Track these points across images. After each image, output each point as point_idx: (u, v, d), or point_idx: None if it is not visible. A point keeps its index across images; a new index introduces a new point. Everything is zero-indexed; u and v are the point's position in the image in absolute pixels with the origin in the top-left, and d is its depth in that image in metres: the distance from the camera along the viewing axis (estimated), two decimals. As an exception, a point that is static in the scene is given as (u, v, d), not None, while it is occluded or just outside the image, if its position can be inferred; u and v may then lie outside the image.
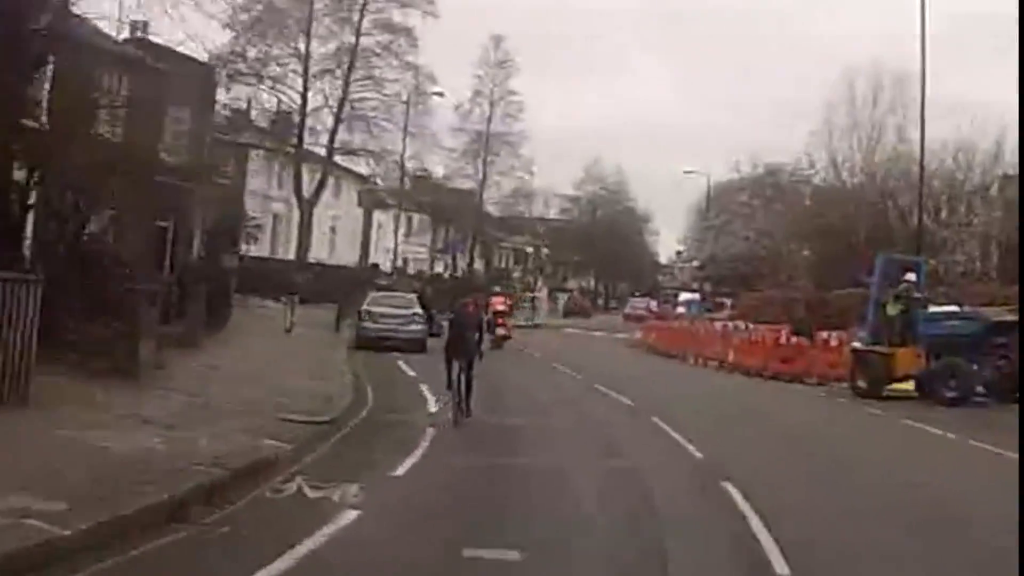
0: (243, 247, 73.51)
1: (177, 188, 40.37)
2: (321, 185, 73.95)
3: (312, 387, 26.64)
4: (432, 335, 42.17)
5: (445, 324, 27.39)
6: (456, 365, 23.15)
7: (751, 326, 47.63)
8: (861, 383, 34.63)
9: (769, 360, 41.46)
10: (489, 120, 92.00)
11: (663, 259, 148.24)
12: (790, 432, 25.54)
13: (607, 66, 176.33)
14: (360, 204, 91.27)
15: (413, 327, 41.75)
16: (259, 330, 43.07)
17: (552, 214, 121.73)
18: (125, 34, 39.14)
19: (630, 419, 25.65)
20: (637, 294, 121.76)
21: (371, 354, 39.11)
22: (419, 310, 42.58)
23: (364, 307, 42.79)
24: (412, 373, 33.79)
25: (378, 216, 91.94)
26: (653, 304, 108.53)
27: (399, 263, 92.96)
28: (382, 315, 41.83)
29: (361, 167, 79.83)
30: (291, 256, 73.94)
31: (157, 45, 38.73)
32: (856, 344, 36.59)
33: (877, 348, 34.75)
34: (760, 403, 32.74)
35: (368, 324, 41.82)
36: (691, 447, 20.54)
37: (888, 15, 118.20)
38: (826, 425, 27.87)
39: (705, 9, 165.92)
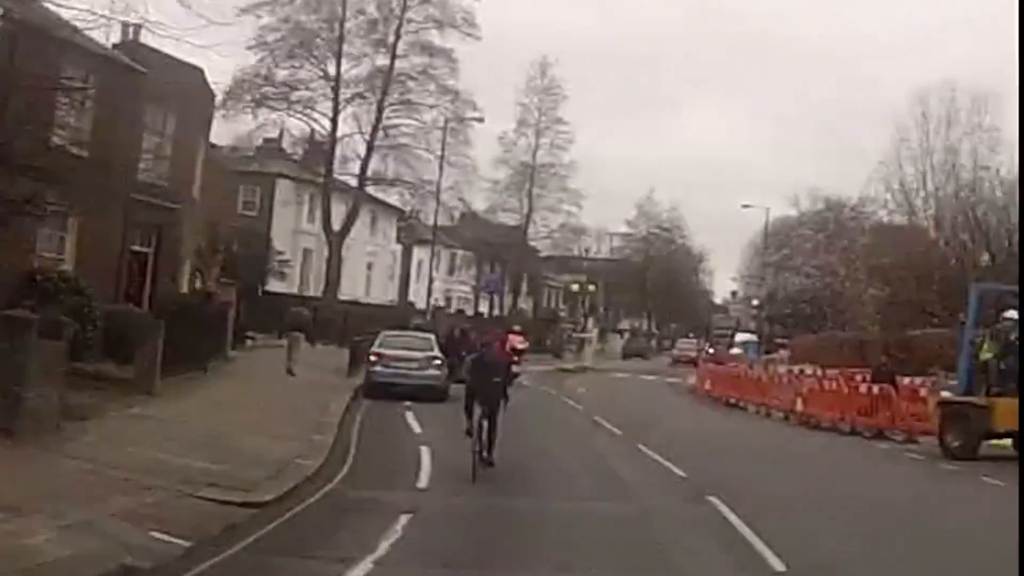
0: (269, 282, 68.35)
1: (158, 208, 34.58)
2: (351, 217, 67.69)
3: (272, 449, 20.60)
4: (459, 381, 36.10)
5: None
6: (479, 410, 20.31)
7: (822, 371, 41.09)
8: (953, 441, 28.07)
9: (846, 411, 34.90)
10: (535, 151, 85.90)
11: (718, 299, 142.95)
12: (898, 519, 18.29)
13: (657, 105, 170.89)
14: (399, 240, 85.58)
15: (430, 372, 35.53)
16: (256, 372, 37.21)
17: (604, 253, 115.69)
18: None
19: (682, 503, 18.80)
20: (691, 335, 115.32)
21: (379, 404, 33.08)
22: (437, 352, 36.28)
23: (373, 349, 36.55)
24: (418, 429, 27.68)
25: (419, 253, 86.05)
26: (705, 346, 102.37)
27: (439, 302, 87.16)
28: (394, 358, 35.59)
29: (394, 199, 73.42)
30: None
31: (147, 48, 32.93)
32: (945, 394, 29.96)
33: (971, 399, 28.02)
34: (847, 471, 26.11)
35: (377, 369, 35.62)
36: (768, 552, 14.02)
37: (960, 41, 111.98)
38: (942, 506, 20.75)
39: (756, 43, 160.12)
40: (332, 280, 66.24)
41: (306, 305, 63.54)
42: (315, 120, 66.83)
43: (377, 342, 36.76)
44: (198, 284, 42.54)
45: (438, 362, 35.69)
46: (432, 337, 37.57)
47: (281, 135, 71.41)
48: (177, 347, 30.31)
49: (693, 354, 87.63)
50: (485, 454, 20.18)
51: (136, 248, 34.68)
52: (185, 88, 36.22)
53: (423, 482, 19.34)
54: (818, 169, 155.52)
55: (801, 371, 44.68)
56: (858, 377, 38.35)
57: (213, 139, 67.15)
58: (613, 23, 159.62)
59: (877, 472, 26.08)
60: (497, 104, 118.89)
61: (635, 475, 22.19)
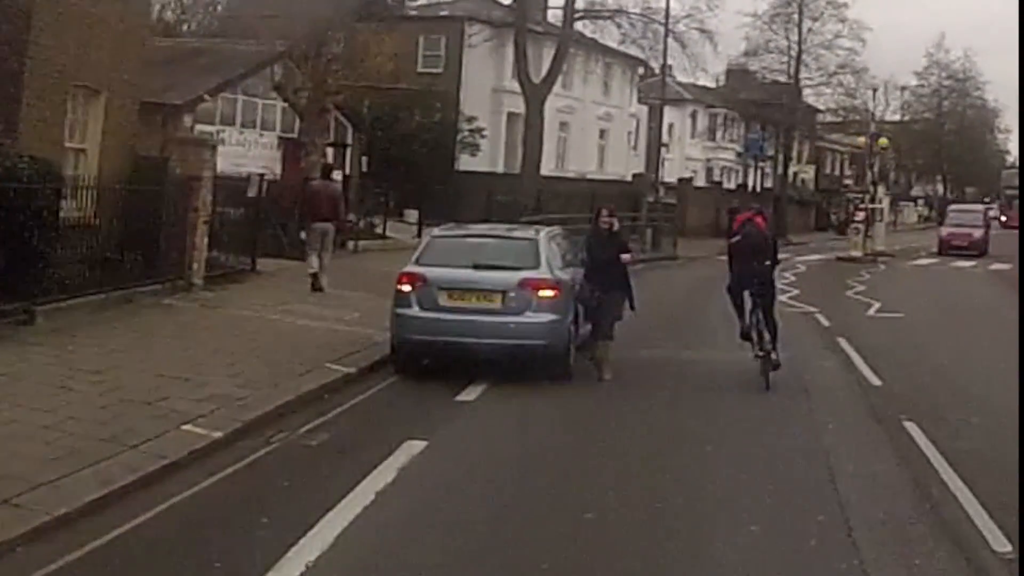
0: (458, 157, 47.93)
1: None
2: (556, 63, 45.30)
3: None
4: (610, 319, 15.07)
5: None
6: (750, 303, 15.02)
7: None
8: None
9: None
10: None
11: (1013, 160, 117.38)
12: None
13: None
14: (642, 100, 63.57)
15: (530, 318, 14.19)
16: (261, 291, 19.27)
17: (890, 112, 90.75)
18: None
19: None
20: (986, 200, 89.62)
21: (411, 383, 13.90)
22: (548, 271, 14.52)
23: (405, 269, 14.97)
24: None
25: (671, 115, 63.59)
26: (998, 212, 76.41)
27: (693, 174, 64.92)
28: (448, 286, 14.41)
29: (610, 40, 49.96)
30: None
31: None
32: None
33: None
34: None
35: (413, 313, 14.45)
36: None
37: None
38: None
39: None
40: (530, 148, 44.66)
41: (500, 185, 43.37)
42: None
43: (416, 252, 15.48)
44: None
45: (550, 294, 14.30)
46: (543, 236, 15.44)
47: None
48: None
49: (977, 233, 52.49)
50: (771, 354, 14.42)
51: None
52: None
53: None
54: None
55: None
56: None
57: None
58: None
59: None
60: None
61: None
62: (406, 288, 14.44)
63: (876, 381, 15.23)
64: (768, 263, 14.98)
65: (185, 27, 58.07)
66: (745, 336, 15.06)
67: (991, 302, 29.11)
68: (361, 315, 18.19)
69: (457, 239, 15.79)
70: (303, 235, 21.97)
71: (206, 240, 19.92)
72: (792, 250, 49.67)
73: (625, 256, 14.92)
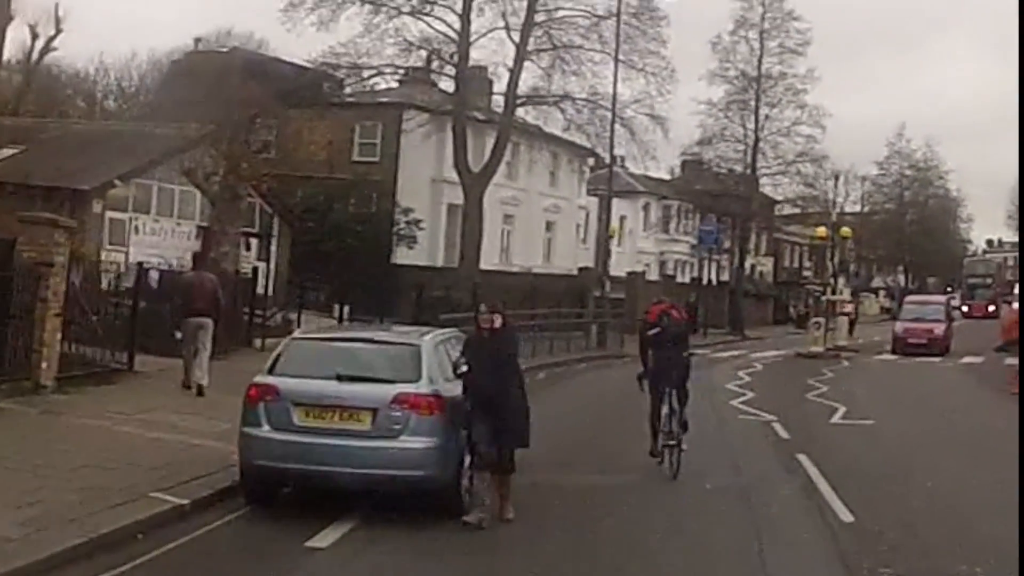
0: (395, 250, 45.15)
1: None
2: (497, 152, 42.98)
3: None
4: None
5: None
6: (665, 394, 14.78)
7: None
8: None
9: None
10: (760, 58, 58.88)
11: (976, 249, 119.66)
12: None
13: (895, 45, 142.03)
14: (592, 191, 60.96)
15: (404, 442, 11.16)
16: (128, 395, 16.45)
17: (850, 202, 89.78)
18: None
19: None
20: (949, 289, 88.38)
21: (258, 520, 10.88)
22: (428, 384, 11.44)
23: (256, 380, 11.98)
24: None
25: (622, 207, 61.27)
26: (956, 302, 73.95)
27: (645, 268, 62.15)
28: (304, 401, 11.41)
29: (555, 128, 47.26)
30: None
31: None
32: None
33: None
34: None
35: (263, 433, 11.46)
36: None
37: None
38: None
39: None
40: (469, 241, 42.00)
41: (438, 279, 40.60)
42: (438, 19, 42.32)
43: (273, 356, 12.27)
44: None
45: (432, 414, 11.25)
46: (427, 341, 12.26)
47: (429, 60, 46.62)
48: None
49: (938, 329, 44.58)
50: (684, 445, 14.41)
51: None
52: None
53: None
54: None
55: None
56: None
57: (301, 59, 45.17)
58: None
59: None
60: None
61: None
62: (254, 401, 11.44)
63: (846, 516, 12.10)
64: (686, 354, 15.49)
65: (127, 115, 55.81)
66: (654, 455, 14.87)
67: (972, 403, 26.09)
68: (234, 426, 15.19)
69: (321, 343, 12.79)
70: (177, 334, 18.98)
71: (59, 335, 16.96)
72: (748, 346, 47.13)
73: (462, 367, 11.53)
